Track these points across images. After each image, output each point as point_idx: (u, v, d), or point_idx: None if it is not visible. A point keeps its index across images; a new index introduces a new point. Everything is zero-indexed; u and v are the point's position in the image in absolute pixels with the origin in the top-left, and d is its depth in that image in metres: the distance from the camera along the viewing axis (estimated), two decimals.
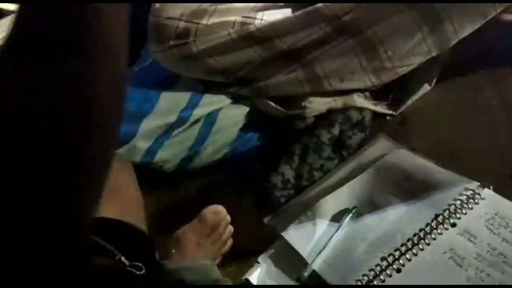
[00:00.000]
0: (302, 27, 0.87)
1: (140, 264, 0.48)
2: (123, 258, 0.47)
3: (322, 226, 0.77)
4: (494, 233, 0.64)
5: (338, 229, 0.74)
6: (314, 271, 0.70)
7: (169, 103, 0.97)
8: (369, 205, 0.77)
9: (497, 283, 0.59)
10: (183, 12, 0.95)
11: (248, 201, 0.90)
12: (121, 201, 0.73)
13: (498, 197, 0.69)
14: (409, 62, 0.88)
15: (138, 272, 0.47)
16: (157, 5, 0.98)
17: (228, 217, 0.82)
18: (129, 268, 0.47)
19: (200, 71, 0.98)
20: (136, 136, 0.95)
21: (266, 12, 0.93)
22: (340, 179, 0.85)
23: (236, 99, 0.99)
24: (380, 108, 0.94)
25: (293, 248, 0.75)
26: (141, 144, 0.96)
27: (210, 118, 0.97)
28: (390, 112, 0.94)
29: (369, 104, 0.93)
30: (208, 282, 0.65)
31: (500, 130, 0.81)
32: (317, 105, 0.93)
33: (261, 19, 0.91)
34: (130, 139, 0.96)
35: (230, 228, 0.82)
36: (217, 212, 0.80)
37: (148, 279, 0.48)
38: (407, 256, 0.66)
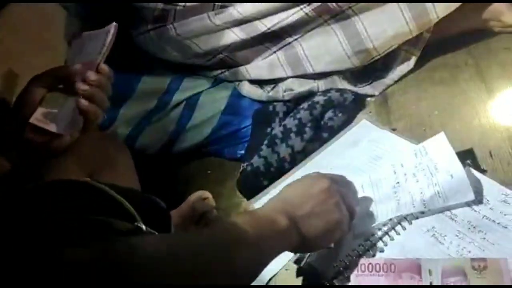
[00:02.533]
0: (282, 8, 0.86)
1: (156, 233, 0.49)
2: (141, 224, 0.48)
3: None
4: (475, 210, 0.65)
5: None
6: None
7: (149, 87, 0.96)
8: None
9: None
10: None
11: (231, 184, 0.90)
12: (118, 177, 0.72)
13: (479, 175, 0.70)
14: (390, 42, 0.88)
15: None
16: None
17: (213, 202, 0.82)
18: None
19: (180, 54, 0.96)
20: (116, 122, 0.94)
21: None
22: (322, 160, 0.85)
23: (217, 83, 0.98)
24: (362, 89, 0.94)
25: None
26: (121, 130, 0.94)
27: (191, 102, 0.96)
28: (372, 92, 0.94)
29: (350, 86, 0.93)
30: None
31: (479, 110, 0.82)
32: (298, 87, 0.93)
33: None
34: (110, 125, 0.94)
35: (215, 213, 0.82)
36: (204, 197, 0.80)
37: None
38: (390, 234, 0.66)
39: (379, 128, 0.85)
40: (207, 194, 0.82)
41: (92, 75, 0.54)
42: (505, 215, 0.64)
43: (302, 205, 0.56)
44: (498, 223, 0.63)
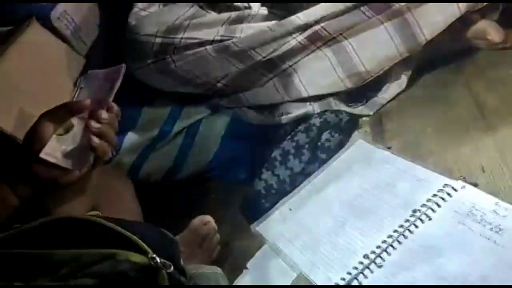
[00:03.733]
0: (276, 37, 0.89)
1: (170, 263, 0.49)
2: (155, 255, 0.48)
3: (307, 227, 0.79)
4: (469, 228, 0.68)
5: None
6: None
7: (151, 117, 0.99)
8: (350, 203, 0.80)
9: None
10: (159, 29, 0.97)
11: (234, 209, 0.92)
12: (121, 210, 0.74)
13: (472, 189, 0.73)
14: (381, 65, 0.91)
15: (167, 270, 0.48)
16: (133, 22, 1.00)
17: (215, 226, 0.83)
18: (160, 266, 0.48)
19: (179, 85, 1.00)
20: (121, 152, 0.97)
21: (244, 27, 0.95)
22: (322, 181, 0.87)
23: (216, 110, 1.01)
24: (356, 110, 0.97)
25: (280, 251, 0.77)
26: (126, 159, 0.97)
27: (192, 130, 0.98)
28: (366, 112, 0.97)
29: (345, 107, 0.96)
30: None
31: (470, 126, 0.84)
32: (295, 110, 0.96)
33: (240, 35, 0.94)
34: (115, 155, 0.97)
35: (217, 236, 0.84)
36: (205, 221, 0.82)
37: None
38: (387, 252, 0.69)
39: (375, 147, 0.88)
40: (208, 218, 0.83)
41: (103, 114, 0.56)
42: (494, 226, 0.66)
43: None
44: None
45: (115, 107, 0.58)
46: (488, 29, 0.94)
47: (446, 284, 0.61)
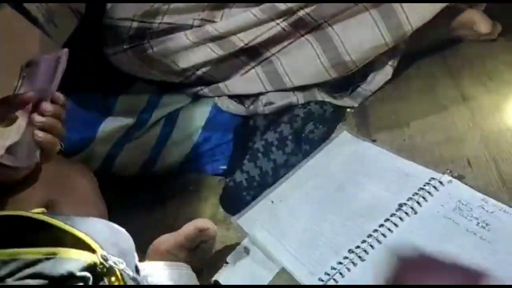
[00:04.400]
0: (259, 23, 0.86)
1: (121, 260, 0.47)
2: (105, 252, 0.46)
3: (289, 221, 0.77)
4: (455, 222, 0.66)
5: None
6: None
7: (127, 105, 0.95)
8: (335, 197, 0.77)
9: None
10: (136, 13, 0.93)
11: (215, 201, 0.89)
12: (81, 206, 0.70)
13: (459, 184, 0.71)
14: (366, 54, 0.89)
15: (119, 268, 0.46)
16: (109, 6, 0.95)
17: (216, 231, 0.76)
18: (111, 263, 0.46)
19: (158, 72, 0.96)
20: (94, 141, 0.92)
21: (226, 12, 0.91)
22: (305, 173, 0.85)
23: (197, 99, 0.98)
24: (341, 101, 0.94)
25: (261, 245, 0.74)
26: (100, 148, 0.93)
27: (171, 119, 0.95)
28: (351, 104, 0.95)
29: (329, 98, 0.93)
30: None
31: (455, 118, 0.83)
32: (278, 101, 0.93)
33: (221, 20, 0.90)
34: (87, 145, 0.93)
35: (211, 243, 0.79)
36: (204, 228, 0.75)
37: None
38: (371, 246, 0.67)
39: (360, 139, 0.86)
40: (208, 224, 0.76)
41: (47, 106, 0.54)
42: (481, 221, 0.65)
43: None
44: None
45: (61, 98, 0.55)
46: (475, 20, 0.92)
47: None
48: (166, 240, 0.76)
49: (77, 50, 0.67)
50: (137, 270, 0.52)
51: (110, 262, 0.45)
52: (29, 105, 0.54)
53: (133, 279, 0.48)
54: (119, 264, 0.46)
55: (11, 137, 0.53)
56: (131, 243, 0.54)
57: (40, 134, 0.53)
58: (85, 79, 0.99)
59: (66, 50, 0.57)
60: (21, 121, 0.54)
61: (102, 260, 0.45)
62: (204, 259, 0.77)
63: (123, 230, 0.55)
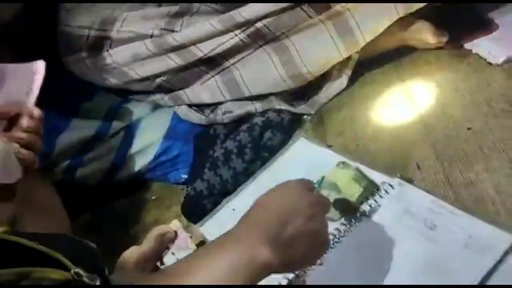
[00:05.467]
0: (218, 34, 0.88)
1: (96, 275, 0.47)
2: (78, 269, 0.45)
3: None
4: (405, 224, 0.69)
5: None
6: None
7: (86, 116, 0.94)
8: None
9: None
10: (93, 21, 0.93)
11: (177, 210, 0.90)
12: (45, 219, 0.70)
13: (409, 186, 0.75)
14: (323, 66, 0.92)
15: (93, 283, 0.46)
16: (63, 14, 0.95)
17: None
18: (85, 280, 0.45)
19: (117, 81, 0.96)
20: (54, 153, 0.92)
21: (185, 21, 0.93)
22: (264, 180, 0.87)
23: (157, 108, 0.98)
24: (298, 109, 0.97)
25: None
26: (60, 161, 0.92)
27: (131, 129, 0.95)
28: (308, 111, 0.97)
29: (287, 106, 0.96)
30: None
31: (406, 123, 0.87)
32: (237, 109, 0.95)
33: (180, 29, 0.91)
34: (48, 156, 0.92)
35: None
36: (163, 232, 0.77)
37: None
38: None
39: (316, 145, 0.89)
40: (166, 229, 0.78)
41: (28, 122, 0.53)
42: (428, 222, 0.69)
43: (285, 227, 0.49)
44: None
45: (40, 113, 0.55)
46: (423, 30, 0.97)
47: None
48: (132, 253, 0.77)
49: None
50: (108, 284, 0.52)
51: (85, 279, 0.45)
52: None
53: None
54: (94, 280, 0.46)
55: None
56: (100, 257, 0.54)
57: (23, 151, 0.52)
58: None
59: (42, 62, 0.56)
60: None
61: (76, 277, 0.44)
62: None
63: (91, 244, 0.54)
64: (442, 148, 0.80)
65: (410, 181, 0.75)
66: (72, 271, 0.44)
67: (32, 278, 0.42)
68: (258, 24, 0.88)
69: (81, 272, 0.45)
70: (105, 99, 1.00)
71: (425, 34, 0.97)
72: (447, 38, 0.99)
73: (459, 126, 0.82)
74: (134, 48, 0.92)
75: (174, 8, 0.95)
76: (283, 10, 0.87)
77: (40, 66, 0.56)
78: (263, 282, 0.50)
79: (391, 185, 0.75)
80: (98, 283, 0.46)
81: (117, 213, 0.97)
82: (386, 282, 0.64)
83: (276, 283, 0.68)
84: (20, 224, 0.62)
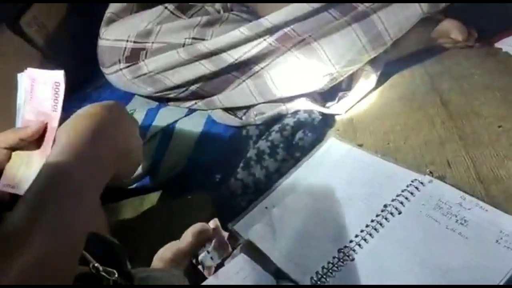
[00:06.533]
0: (246, 40, 0.91)
1: (113, 270, 0.49)
2: (96, 264, 0.49)
3: (282, 225, 0.81)
4: (436, 220, 0.71)
5: None
6: None
7: None
8: (325, 199, 0.82)
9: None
10: (130, 34, 0.98)
11: (212, 209, 0.93)
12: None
13: (439, 183, 0.76)
14: (351, 66, 0.94)
15: (111, 278, 0.49)
16: (104, 28, 1.01)
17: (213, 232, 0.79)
18: (103, 273, 0.48)
19: (153, 89, 1.01)
20: None
21: (215, 31, 0.96)
22: (296, 179, 0.89)
23: (191, 112, 1.02)
24: (328, 109, 0.99)
25: (257, 251, 0.78)
26: None
27: (167, 133, 0.99)
28: (338, 112, 1.00)
29: (317, 106, 0.98)
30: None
31: (436, 122, 0.88)
32: (269, 111, 0.98)
33: (211, 38, 0.95)
34: None
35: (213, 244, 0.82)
36: (199, 232, 0.78)
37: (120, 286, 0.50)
38: (359, 246, 0.71)
39: (347, 144, 0.91)
40: (205, 226, 0.78)
41: None
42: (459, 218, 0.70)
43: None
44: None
45: None
46: (452, 29, 0.98)
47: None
48: (168, 249, 0.80)
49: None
50: (130, 278, 0.55)
51: (102, 273, 0.48)
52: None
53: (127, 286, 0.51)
54: (111, 275, 0.49)
55: (23, 165, 0.54)
56: (122, 253, 0.57)
57: None
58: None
59: (62, 72, 0.56)
60: (34, 151, 0.54)
61: (93, 271, 0.48)
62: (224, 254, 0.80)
63: (115, 241, 0.58)
64: (472, 145, 0.81)
65: (440, 178, 0.77)
66: (91, 265, 0.48)
67: None
68: (286, 29, 0.91)
69: (99, 266, 0.48)
70: (141, 105, 1.04)
71: (453, 33, 0.98)
72: (476, 36, 1.00)
73: (490, 124, 0.82)
74: (167, 57, 0.96)
75: (204, 18, 1.00)
76: (309, 14, 0.90)
77: (61, 77, 0.55)
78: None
79: (422, 183, 0.76)
80: (115, 277, 0.49)
81: (152, 213, 1.01)
82: (420, 279, 0.65)
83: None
84: None
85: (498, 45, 0.98)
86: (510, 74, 0.92)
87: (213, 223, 0.82)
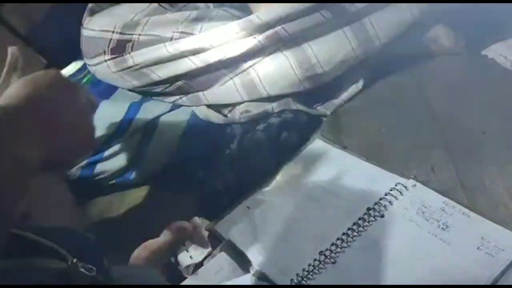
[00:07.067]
0: (236, 37, 0.90)
1: (92, 266, 0.49)
2: (75, 260, 0.48)
3: (264, 226, 0.80)
4: (418, 225, 0.71)
5: None
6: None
7: (107, 113, 0.97)
8: (308, 201, 0.81)
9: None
10: (116, 24, 0.96)
11: (193, 207, 0.92)
12: (55, 216, 0.72)
13: (422, 188, 0.76)
14: (339, 67, 0.94)
15: (90, 274, 0.48)
16: (88, 17, 0.98)
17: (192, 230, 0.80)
18: (82, 270, 0.47)
19: (138, 83, 0.99)
20: None
21: (204, 25, 0.95)
22: (280, 180, 0.89)
23: (175, 107, 1.01)
24: (314, 110, 0.99)
25: (237, 251, 0.77)
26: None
27: (150, 127, 0.97)
28: (324, 113, 0.99)
29: (303, 107, 0.97)
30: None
31: (421, 127, 0.88)
32: (254, 109, 0.97)
33: (199, 33, 0.93)
34: None
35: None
36: (178, 230, 0.78)
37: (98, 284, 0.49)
38: (341, 249, 0.71)
39: (332, 146, 0.90)
40: (184, 225, 0.79)
41: None
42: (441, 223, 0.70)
43: None
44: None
45: None
46: (439, 34, 0.98)
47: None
48: (146, 247, 0.79)
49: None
50: (108, 276, 0.54)
51: (81, 269, 0.47)
52: None
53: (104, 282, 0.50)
54: (90, 271, 0.48)
55: None
56: (99, 249, 0.56)
57: None
58: None
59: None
60: None
61: (72, 268, 0.47)
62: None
63: (92, 237, 0.56)
64: (456, 151, 0.81)
65: (424, 183, 0.76)
66: (69, 262, 0.47)
67: (33, 267, 0.44)
68: (277, 27, 0.90)
69: (78, 263, 0.47)
70: (125, 99, 1.02)
71: (442, 40, 0.98)
72: (463, 43, 1.00)
73: (474, 129, 0.83)
74: (154, 50, 0.94)
75: (193, 12, 0.98)
76: (301, 14, 0.89)
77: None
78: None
79: (405, 187, 0.76)
80: (93, 274, 0.48)
81: (133, 208, 0.99)
82: (399, 282, 0.65)
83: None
84: (30, 220, 0.64)
85: (484, 52, 0.99)
86: (496, 81, 0.92)
87: (193, 221, 0.82)
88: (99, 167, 0.97)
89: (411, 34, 0.97)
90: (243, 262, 0.75)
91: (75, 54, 1.08)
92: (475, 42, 1.00)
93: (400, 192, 0.76)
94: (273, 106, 0.97)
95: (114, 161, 0.96)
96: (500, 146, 0.79)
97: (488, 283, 0.60)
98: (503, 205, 0.70)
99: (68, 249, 0.48)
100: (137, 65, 0.95)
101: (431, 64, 1.01)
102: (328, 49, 0.91)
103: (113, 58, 0.97)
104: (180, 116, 0.99)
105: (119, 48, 0.96)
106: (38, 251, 0.46)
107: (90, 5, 1.03)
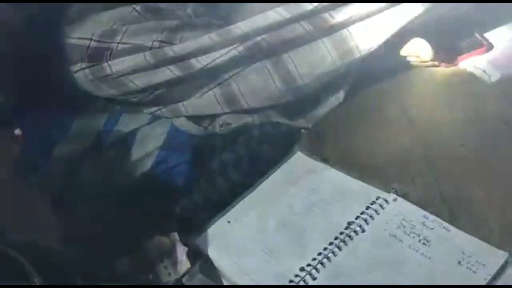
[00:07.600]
0: (215, 47, 0.89)
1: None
2: (37, 281, 0.47)
3: (244, 240, 0.79)
4: (399, 239, 0.70)
5: None
6: None
7: (84, 127, 0.95)
8: (288, 215, 0.80)
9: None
10: (94, 32, 0.94)
11: (172, 221, 0.90)
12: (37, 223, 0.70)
13: (403, 202, 0.76)
14: (320, 79, 0.93)
15: None
16: (65, 25, 0.96)
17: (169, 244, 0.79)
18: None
19: (116, 91, 0.96)
20: (50, 164, 0.92)
21: (184, 35, 0.94)
22: (260, 192, 0.87)
23: (154, 119, 0.99)
24: (295, 122, 0.98)
25: (215, 268, 0.76)
26: (55, 171, 0.92)
27: (128, 139, 0.95)
28: (305, 125, 0.98)
29: (284, 119, 0.97)
30: None
31: (402, 139, 0.88)
32: (235, 121, 0.96)
33: (180, 42, 0.92)
34: (45, 167, 0.92)
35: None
36: (158, 245, 0.78)
37: None
38: (323, 262, 0.70)
39: (312, 159, 0.90)
40: (163, 239, 0.79)
41: None
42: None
43: None
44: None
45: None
46: (419, 47, 0.99)
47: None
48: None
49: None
50: None
51: None
52: None
53: None
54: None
55: None
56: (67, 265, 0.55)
57: None
58: (43, 97, 0.99)
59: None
60: None
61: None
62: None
63: (61, 252, 0.55)
64: (437, 164, 0.81)
65: (405, 196, 0.76)
66: (33, 282, 0.46)
67: None
68: (256, 38, 0.89)
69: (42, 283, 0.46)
70: (102, 110, 1.00)
71: (420, 52, 0.99)
72: (442, 56, 1.01)
73: (454, 143, 0.83)
74: (133, 59, 0.92)
75: (174, 22, 0.96)
76: (280, 25, 0.88)
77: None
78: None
79: (386, 200, 0.76)
80: None
81: (112, 222, 0.97)
82: None
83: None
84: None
85: (463, 65, 1.00)
86: (474, 94, 0.93)
87: (172, 236, 0.80)
88: (77, 182, 0.94)
89: (391, 47, 0.97)
90: (222, 280, 0.74)
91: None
92: (453, 55, 1.01)
93: (381, 206, 0.75)
94: (254, 118, 0.96)
95: (91, 175, 0.94)
96: (479, 159, 0.79)
97: None
98: (484, 219, 0.70)
99: (36, 266, 0.47)
100: (114, 74, 0.93)
101: (411, 77, 1.02)
102: (309, 61, 0.91)
103: (91, 66, 0.95)
104: (159, 127, 0.97)
105: (97, 56, 0.94)
106: (5, 266, 0.46)
107: (69, 13, 1.01)
